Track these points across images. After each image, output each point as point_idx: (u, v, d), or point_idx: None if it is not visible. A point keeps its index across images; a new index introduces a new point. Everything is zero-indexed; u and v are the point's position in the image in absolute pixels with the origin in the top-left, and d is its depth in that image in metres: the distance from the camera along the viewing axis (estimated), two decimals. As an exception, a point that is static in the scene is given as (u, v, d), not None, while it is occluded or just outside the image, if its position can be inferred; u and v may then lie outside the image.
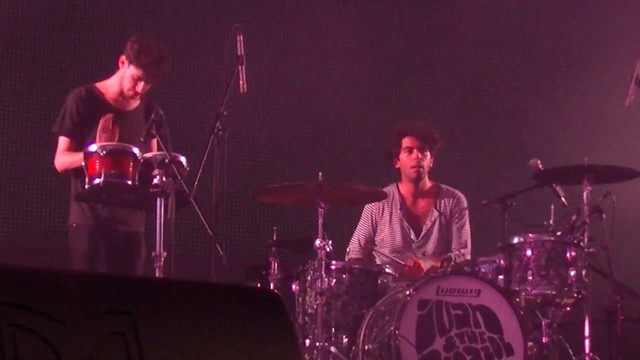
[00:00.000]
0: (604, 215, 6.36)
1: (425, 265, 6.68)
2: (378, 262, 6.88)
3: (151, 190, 5.52)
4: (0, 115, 7.83)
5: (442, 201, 7.02)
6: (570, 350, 6.30)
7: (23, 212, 7.80)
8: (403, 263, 6.69)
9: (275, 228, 6.48)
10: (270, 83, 8.37)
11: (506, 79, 9.09)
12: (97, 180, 5.53)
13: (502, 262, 6.22)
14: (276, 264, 6.35)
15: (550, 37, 9.21)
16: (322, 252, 5.96)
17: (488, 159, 8.94)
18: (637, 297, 6.88)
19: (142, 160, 5.59)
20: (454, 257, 6.75)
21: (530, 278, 6.13)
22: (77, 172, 5.89)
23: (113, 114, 5.95)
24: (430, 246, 6.94)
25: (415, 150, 6.93)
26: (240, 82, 5.66)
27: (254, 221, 8.21)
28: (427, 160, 6.97)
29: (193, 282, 2.59)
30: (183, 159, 5.68)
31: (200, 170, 5.54)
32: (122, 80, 6.10)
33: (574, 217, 6.25)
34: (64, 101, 6.20)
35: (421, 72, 8.87)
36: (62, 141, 6.09)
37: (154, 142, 5.94)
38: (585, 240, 6.19)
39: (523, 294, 6.14)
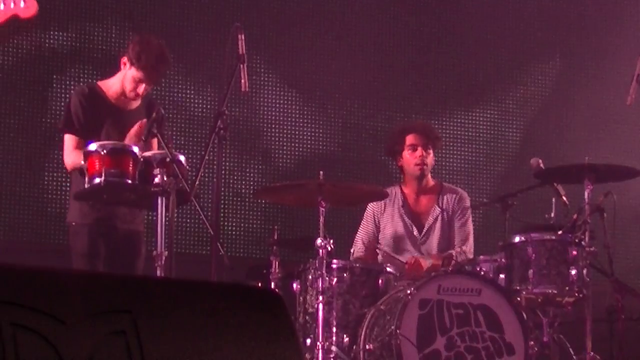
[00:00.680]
0: (605, 214, 6.36)
1: (426, 263, 6.68)
2: (380, 260, 6.89)
3: (152, 189, 5.51)
4: (1, 113, 7.83)
5: (445, 198, 7.03)
6: (571, 350, 6.30)
7: (24, 211, 7.79)
8: (404, 261, 6.69)
9: (276, 227, 6.49)
10: (271, 82, 8.37)
11: (507, 78, 9.08)
12: (97, 180, 5.53)
13: (503, 261, 6.22)
14: (277, 263, 6.35)
15: (550, 36, 9.21)
16: (323, 251, 5.96)
17: (489, 158, 8.94)
18: (638, 296, 6.87)
19: (142, 159, 5.59)
20: (455, 255, 6.75)
21: (531, 277, 6.13)
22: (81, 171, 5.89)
23: (147, 121, 5.88)
24: (434, 242, 6.94)
25: (419, 148, 6.94)
26: (242, 81, 5.65)
27: (255, 220, 8.21)
28: (431, 158, 6.98)
29: (194, 281, 2.58)
30: (182, 158, 5.68)
31: (202, 169, 5.54)
32: (123, 82, 6.11)
33: (575, 216, 6.25)
34: (68, 99, 6.21)
35: (422, 71, 8.87)
36: (70, 139, 6.09)
37: (155, 141, 5.94)
38: (586, 239, 6.19)
39: (524, 293, 6.14)
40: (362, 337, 5.97)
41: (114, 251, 6.04)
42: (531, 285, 6.13)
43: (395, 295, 6.01)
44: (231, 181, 8.12)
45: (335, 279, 6.10)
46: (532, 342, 5.90)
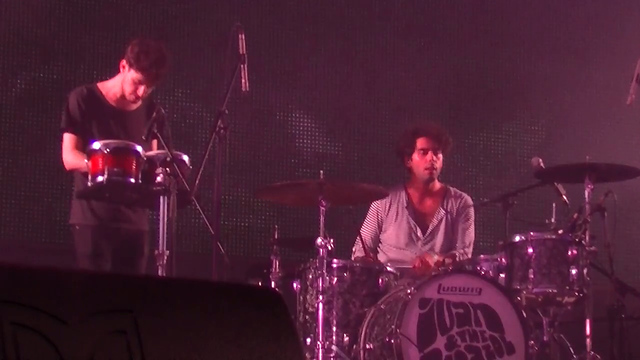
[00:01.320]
0: (605, 214, 6.36)
1: (432, 259, 6.69)
2: (382, 259, 6.89)
3: (154, 188, 5.52)
4: (4, 114, 7.83)
5: (450, 201, 7.04)
6: (571, 349, 6.30)
7: (26, 211, 7.79)
8: (410, 266, 6.69)
9: (276, 226, 6.49)
10: (271, 81, 8.37)
11: (507, 78, 9.09)
12: (100, 178, 5.53)
13: (503, 260, 6.22)
14: (277, 263, 6.36)
15: (551, 35, 9.21)
16: (324, 250, 5.96)
17: (489, 157, 8.94)
18: (639, 296, 6.88)
19: (145, 158, 5.59)
20: (457, 256, 6.77)
21: (532, 276, 6.13)
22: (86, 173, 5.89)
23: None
24: (437, 244, 6.96)
25: (430, 152, 6.94)
26: (242, 80, 5.65)
27: (256, 219, 8.21)
28: (440, 162, 6.99)
29: (194, 280, 2.59)
30: (186, 158, 5.69)
31: (202, 169, 5.54)
32: (123, 84, 6.11)
33: (575, 216, 6.25)
34: (66, 100, 6.21)
35: (422, 70, 8.87)
36: (69, 138, 6.09)
37: (155, 141, 5.95)
38: (587, 238, 6.19)
39: (524, 292, 6.14)
40: (363, 336, 5.97)
41: (118, 251, 6.05)
42: (531, 284, 6.13)
43: (395, 295, 6.01)
44: (231, 180, 8.12)
45: (335, 279, 6.10)
46: (532, 342, 5.90)
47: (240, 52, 5.71)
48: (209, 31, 8.25)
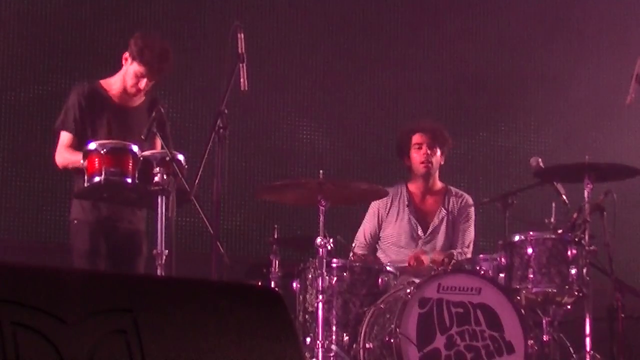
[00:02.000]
0: (605, 213, 6.36)
1: (427, 258, 6.69)
2: (382, 257, 6.89)
3: (152, 188, 5.52)
4: (3, 112, 7.83)
5: (451, 200, 7.06)
6: (571, 349, 6.30)
7: (26, 210, 7.79)
8: (405, 264, 6.69)
9: (276, 226, 6.49)
10: (271, 81, 8.37)
11: (507, 77, 9.08)
12: (97, 179, 5.53)
13: (503, 260, 6.23)
14: (277, 262, 6.36)
15: (551, 35, 9.21)
16: (323, 250, 5.96)
17: (489, 156, 8.94)
18: (638, 295, 6.88)
19: (141, 158, 5.59)
20: (456, 255, 6.77)
21: (531, 276, 6.13)
22: (78, 170, 5.88)
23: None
24: (438, 243, 6.97)
25: (424, 146, 6.96)
26: (241, 80, 5.65)
27: (255, 219, 8.21)
28: (437, 157, 7.00)
29: (194, 280, 2.59)
30: (181, 157, 5.67)
31: (202, 168, 5.53)
32: (125, 77, 6.10)
33: (575, 215, 6.25)
34: (67, 97, 6.20)
35: (422, 70, 8.87)
36: (64, 136, 6.08)
37: (158, 140, 5.94)
38: (586, 238, 6.19)
39: (524, 292, 6.14)
40: (362, 335, 5.97)
41: (115, 250, 6.04)
42: (531, 284, 6.13)
43: (395, 294, 6.02)
44: (231, 180, 8.11)
45: (335, 278, 6.10)
46: (532, 341, 5.90)
47: (240, 52, 5.71)
48: (208, 31, 8.25)
